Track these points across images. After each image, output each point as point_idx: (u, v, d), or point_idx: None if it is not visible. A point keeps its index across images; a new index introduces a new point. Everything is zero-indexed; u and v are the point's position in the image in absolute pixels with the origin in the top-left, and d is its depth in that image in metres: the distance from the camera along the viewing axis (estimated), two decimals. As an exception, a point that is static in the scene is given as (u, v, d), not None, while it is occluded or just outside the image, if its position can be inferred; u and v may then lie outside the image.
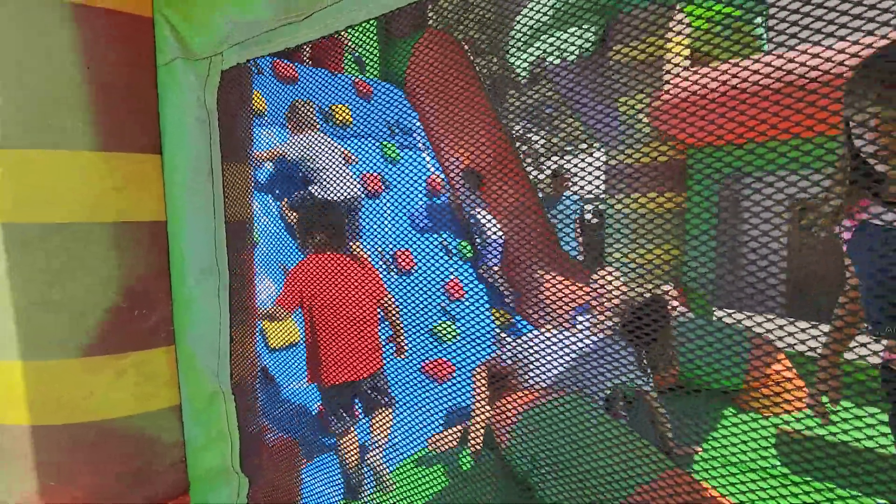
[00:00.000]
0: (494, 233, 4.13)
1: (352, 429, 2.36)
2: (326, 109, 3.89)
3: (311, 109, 3.31)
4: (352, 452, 2.33)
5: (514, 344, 2.40)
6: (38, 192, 1.21)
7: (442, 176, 4.43)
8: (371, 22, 0.93)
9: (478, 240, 4.21)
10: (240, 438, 1.43)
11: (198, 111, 1.23)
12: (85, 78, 1.21)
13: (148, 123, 1.31)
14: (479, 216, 4.18)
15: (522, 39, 3.14)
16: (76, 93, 1.21)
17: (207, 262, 1.34)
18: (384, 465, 2.33)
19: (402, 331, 2.47)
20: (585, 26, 3.06)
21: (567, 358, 2.22)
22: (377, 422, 2.36)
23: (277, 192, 3.28)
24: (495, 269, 4.17)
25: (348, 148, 3.68)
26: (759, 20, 3.31)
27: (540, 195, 4.48)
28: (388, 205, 3.97)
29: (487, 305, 4.10)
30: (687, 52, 3.21)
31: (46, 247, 1.22)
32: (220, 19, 1.15)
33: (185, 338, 1.40)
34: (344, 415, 2.31)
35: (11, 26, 1.16)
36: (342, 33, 0.97)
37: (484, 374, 2.45)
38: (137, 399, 1.37)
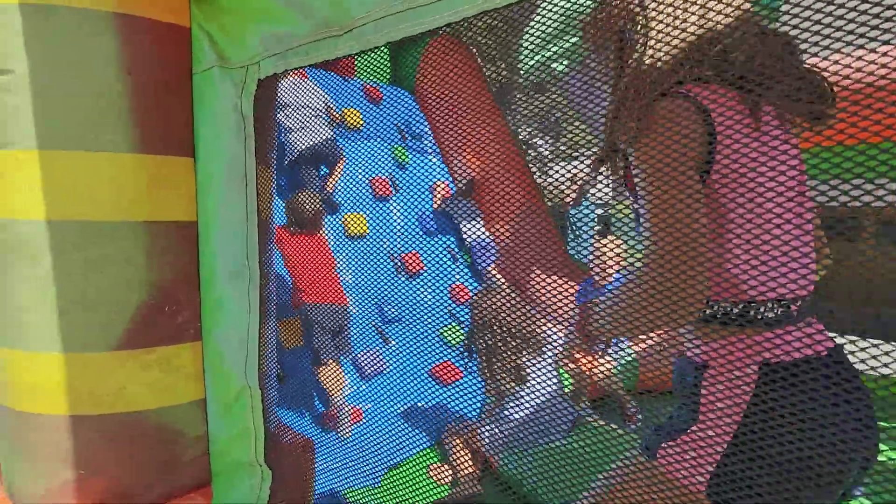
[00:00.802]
0: (481, 238, 4.13)
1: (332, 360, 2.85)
2: (338, 113, 3.94)
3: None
4: (334, 385, 2.72)
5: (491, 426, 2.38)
6: (78, 192, 1.26)
7: (449, 180, 4.47)
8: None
9: (465, 245, 4.23)
10: (265, 431, 1.48)
11: (234, 117, 1.28)
12: (125, 84, 1.27)
13: (183, 128, 1.36)
14: (463, 224, 4.19)
15: (531, 48, 3.18)
16: (116, 98, 1.26)
17: (238, 263, 1.38)
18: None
19: None
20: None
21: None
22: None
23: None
24: (489, 273, 4.18)
25: (357, 151, 3.73)
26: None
27: (548, 203, 4.50)
28: (398, 208, 4.02)
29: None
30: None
31: (84, 244, 1.27)
32: (256, 31, 1.20)
33: (213, 337, 1.44)
34: (321, 335, 2.85)
35: (56, 35, 1.22)
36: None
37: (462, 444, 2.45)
38: (164, 392, 1.41)
